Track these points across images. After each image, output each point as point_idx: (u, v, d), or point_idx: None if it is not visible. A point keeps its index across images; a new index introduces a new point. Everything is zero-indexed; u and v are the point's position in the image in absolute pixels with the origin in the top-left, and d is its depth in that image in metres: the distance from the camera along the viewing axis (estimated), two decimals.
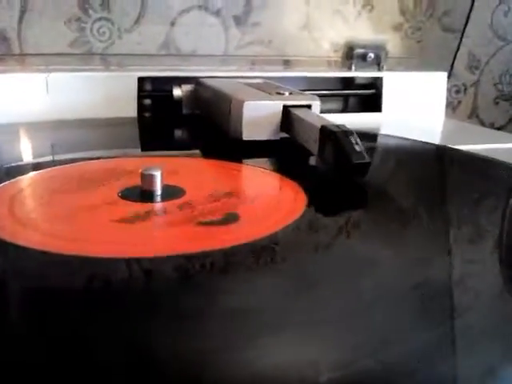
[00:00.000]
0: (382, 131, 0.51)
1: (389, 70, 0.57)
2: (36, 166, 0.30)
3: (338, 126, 0.30)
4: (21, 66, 0.54)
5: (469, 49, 0.75)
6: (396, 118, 0.52)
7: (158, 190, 0.26)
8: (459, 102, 0.78)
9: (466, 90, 0.77)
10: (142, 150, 0.39)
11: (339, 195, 0.29)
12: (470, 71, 0.76)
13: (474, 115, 0.79)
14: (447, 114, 0.78)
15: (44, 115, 0.42)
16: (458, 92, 0.77)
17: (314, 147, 0.32)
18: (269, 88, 0.40)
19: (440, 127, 0.53)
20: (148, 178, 0.26)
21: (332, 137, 0.30)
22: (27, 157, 0.35)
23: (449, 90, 0.77)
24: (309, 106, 0.36)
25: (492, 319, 0.17)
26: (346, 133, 0.30)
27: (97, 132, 0.41)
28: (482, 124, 0.79)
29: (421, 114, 0.54)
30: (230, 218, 0.24)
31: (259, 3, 0.64)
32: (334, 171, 0.30)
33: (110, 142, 0.38)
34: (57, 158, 0.33)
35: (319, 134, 0.31)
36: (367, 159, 0.28)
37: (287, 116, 0.36)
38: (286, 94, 0.38)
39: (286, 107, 0.36)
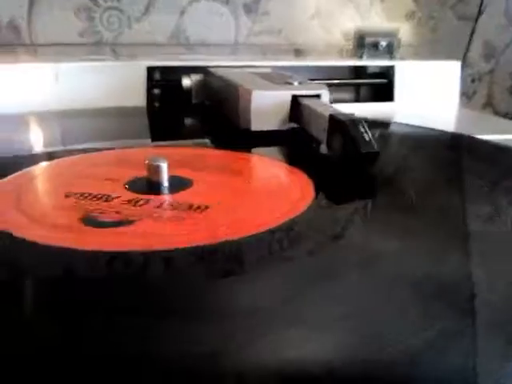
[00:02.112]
0: (395, 120, 0.51)
1: (401, 58, 0.56)
2: (44, 157, 0.30)
3: (346, 115, 0.30)
4: (31, 55, 0.54)
5: (484, 38, 0.74)
6: (409, 108, 0.52)
7: (165, 182, 0.26)
8: (474, 91, 0.77)
9: (480, 78, 0.76)
10: (153, 141, 0.39)
11: (348, 185, 0.28)
12: (486, 60, 0.75)
13: (488, 104, 0.77)
14: (462, 103, 0.77)
15: (53, 105, 0.42)
16: (473, 81, 0.76)
17: (322, 136, 0.31)
18: (278, 78, 0.39)
19: (453, 117, 0.52)
20: (155, 169, 0.26)
21: (340, 126, 0.29)
22: (35, 147, 0.34)
23: (464, 79, 0.76)
24: (318, 96, 0.36)
25: None
26: (354, 122, 0.29)
27: (105, 121, 0.41)
28: (497, 113, 0.77)
29: (434, 103, 0.53)
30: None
31: None
32: (343, 160, 0.29)
33: (118, 132, 0.38)
34: (64, 148, 0.33)
35: (328, 123, 0.30)
36: (376, 148, 0.28)
37: (296, 106, 0.35)
38: (295, 83, 0.37)
39: (294, 97, 0.35)
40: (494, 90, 0.76)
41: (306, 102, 0.34)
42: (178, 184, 0.26)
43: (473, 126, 0.47)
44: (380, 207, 0.26)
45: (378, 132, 0.40)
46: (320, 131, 0.32)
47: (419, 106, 0.52)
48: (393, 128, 0.42)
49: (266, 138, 0.35)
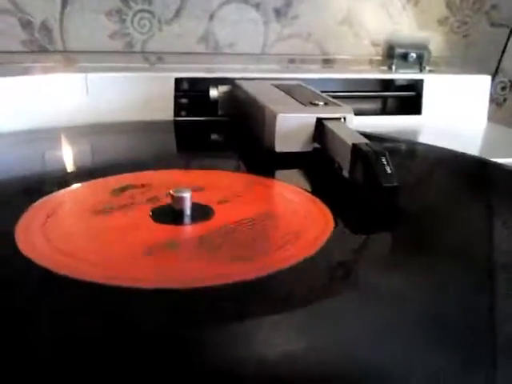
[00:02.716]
0: (421, 135, 0.51)
1: (431, 70, 0.56)
2: (68, 181, 0.31)
3: (369, 146, 0.30)
4: (62, 61, 0.55)
5: None
6: (436, 122, 0.51)
7: (188, 210, 0.26)
8: (505, 99, 0.76)
9: None
10: (172, 165, 0.38)
11: (367, 219, 0.28)
12: None
13: None
14: (492, 111, 0.76)
15: (83, 116, 0.43)
16: (503, 88, 0.75)
17: (345, 164, 0.32)
18: (303, 95, 0.39)
19: (481, 133, 0.51)
20: (179, 200, 0.26)
21: (362, 156, 0.29)
22: (59, 171, 0.35)
23: (494, 87, 0.74)
24: (343, 118, 0.36)
25: None
26: (377, 153, 0.29)
27: (133, 138, 0.42)
28: None
29: (462, 117, 0.52)
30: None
31: None
32: (364, 192, 0.29)
33: (145, 151, 0.39)
34: (90, 171, 0.34)
35: (350, 152, 0.31)
36: (397, 182, 0.28)
37: (320, 128, 0.35)
38: (321, 104, 0.37)
39: (319, 119, 0.35)
40: None
41: (330, 125, 0.34)
42: (200, 213, 0.27)
43: (498, 146, 0.46)
44: (396, 243, 0.26)
45: (400, 155, 0.40)
46: (343, 158, 0.32)
47: (447, 120, 0.51)
48: (417, 149, 0.42)
49: (289, 159, 0.35)
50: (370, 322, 0.19)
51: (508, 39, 0.68)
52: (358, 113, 0.51)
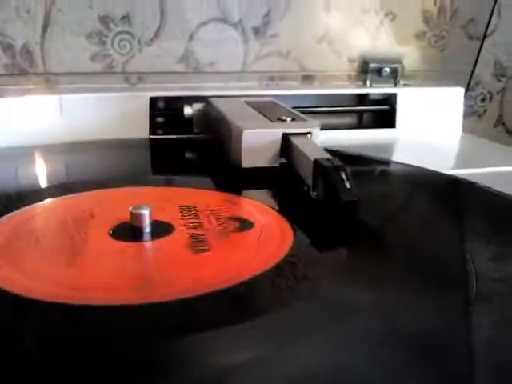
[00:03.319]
0: (395, 148, 0.51)
1: (406, 84, 0.57)
2: (35, 198, 0.31)
3: (330, 161, 0.31)
4: (43, 84, 0.56)
5: (495, 56, 0.73)
6: (410, 135, 0.52)
7: (147, 228, 0.27)
8: (485, 110, 0.76)
9: (491, 97, 0.76)
10: (141, 181, 0.38)
11: (328, 234, 0.29)
12: (497, 79, 0.75)
13: (500, 123, 0.77)
14: (474, 123, 0.77)
15: (58, 136, 0.44)
16: (483, 100, 0.76)
17: (309, 179, 0.32)
18: (272, 111, 0.40)
19: (455, 144, 0.52)
20: (137, 217, 0.27)
21: (323, 172, 0.30)
22: (28, 186, 0.35)
23: (474, 98, 0.75)
24: (309, 133, 0.36)
25: None
26: (337, 168, 0.30)
27: (106, 156, 0.42)
28: (508, 132, 0.77)
29: (437, 130, 0.53)
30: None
31: (279, 14, 0.65)
32: (325, 207, 0.30)
33: (117, 169, 0.39)
34: (60, 188, 0.34)
35: (312, 167, 0.31)
36: (356, 197, 0.28)
37: (287, 143, 0.36)
38: (288, 120, 0.38)
39: (285, 135, 0.36)
40: (505, 108, 0.76)
41: (295, 141, 0.35)
42: (160, 230, 0.27)
43: (473, 157, 0.47)
44: (353, 257, 0.26)
45: (365, 171, 0.40)
46: (306, 174, 0.32)
47: (421, 132, 0.52)
48: (385, 168, 0.42)
49: (256, 175, 0.36)
50: (321, 334, 0.19)
51: (479, 51, 0.69)
52: (334, 127, 0.52)
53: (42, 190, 0.35)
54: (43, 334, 0.19)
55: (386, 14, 0.68)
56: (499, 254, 0.27)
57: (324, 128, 0.48)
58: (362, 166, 0.41)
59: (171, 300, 0.21)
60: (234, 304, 0.22)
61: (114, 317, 0.20)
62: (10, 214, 0.29)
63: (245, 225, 0.28)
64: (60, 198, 0.32)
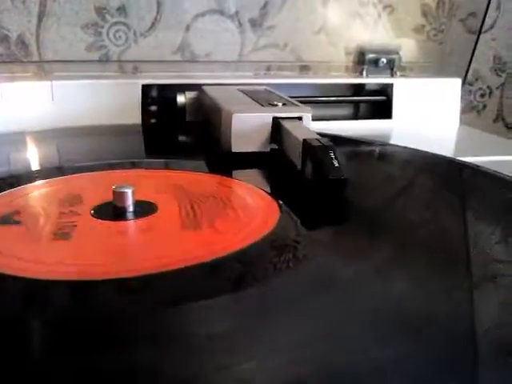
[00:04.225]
0: (391, 138, 0.51)
1: (403, 75, 0.56)
2: (24, 180, 0.31)
3: (319, 141, 0.30)
4: (30, 73, 0.56)
5: (495, 51, 0.73)
6: (406, 125, 0.51)
7: (130, 207, 0.26)
8: (484, 106, 0.76)
9: (491, 93, 0.75)
10: (133, 164, 0.39)
11: (315, 212, 0.28)
12: (496, 74, 0.74)
13: (499, 118, 0.76)
14: (473, 118, 0.76)
15: (49, 122, 0.43)
16: (483, 95, 0.75)
17: (298, 161, 0.32)
18: (264, 97, 0.39)
19: (452, 135, 0.51)
20: (120, 196, 0.26)
21: (311, 151, 0.29)
22: (20, 168, 0.35)
23: (473, 94, 0.75)
24: (300, 118, 0.36)
25: None
26: (325, 147, 0.29)
27: (97, 140, 0.42)
28: (508, 127, 0.76)
29: (434, 121, 0.52)
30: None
31: (276, 6, 0.64)
32: (314, 186, 0.29)
33: (106, 152, 0.39)
34: (51, 170, 0.34)
35: (301, 147, 0.31)
36: (343, 175, 0.28)
37: (277, 128, 0.35)
38: (279, 105, 0.37)
39: (275, 119, 0.35)
40: (504, 103, 0.75)
41: (285, 124, 0.34)
42: (143, 209, 0.27)
43: (470, 147, 0.46)
44: (338, 238, 0.26)
45: (359, 152, 0.40)
46: (295, 155, 0.32)
47: (417, 123, 0.51)
48: (376, 149, 0.42)
49: (246, 160, 0.35)
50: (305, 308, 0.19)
51: (475, 44, 0.69)
52: (330, 118, 0.52)
53: (30, 172, 0.34)
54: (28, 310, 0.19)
55: (385, 7, 0.67)
56: (504, 237, 0.26)
57: (320, 118, 0.48)
58: (355, 148, 0.40)
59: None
60: (216, 277, 0.21)
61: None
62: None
63: (229, 205, 0.28)
64: (46, 180, 0.31)
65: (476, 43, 0.64)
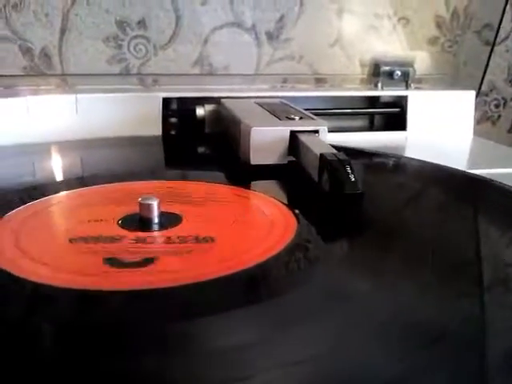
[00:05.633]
0: (406, 150, 0.51)
1: (417, 87, 0.57)
2: (50, 190, 0.32)
3: (335, 155, 0.31)
4: (59, 85, 0.57)
5: (509, 62, 0.73)
6: (421, 137, 0.52)
7: (156, 219, 0.27)
8: (499, 116, 0.76)
9: (505, 103, 0.75)
10: (154, 176, 0.39)
11: (332, 226, 0.29)
12: (510, 85, 0.74)
13: None
14: (488, 129, 0.77)
15: (73, 134, 0.45)
16: (497, 106, 0.76)
17: (315, 174, 0.33)
18: (281, 111, 0.41)
19: (466, 147, 0.52)
20: (146, 207, 0.27)
21: (328, 165, 0.30)
22: (43, 179, 0.37)
23: (488, 104, 0.75)
24: (316, 131, 0.37)
25: None
26: (342, 162, 0.30)
27: (119, 152, 0.43)
28: None
29: (448, 133, 0.53)
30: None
31: (292, 19, 0.65)
32: (331, 200, 0.30)
33: (129, 163, 0.40)
34: (73, 181, 0.35)
35: (318, 161, 0.32)
36: (359, 189, 0.29)
37: (294, 141, 0.36)
38: (296, 118, 0.38)
39: (293, 132, 0.36)
40: None
41: (302, 138, 0.36)
42: (168, 220, 0.28)
43: (485, 159, 0.47)
44: (359, 247, 0.27)
45: (375, 165, 0.41)
46: (313, 169, 0.33)
47: (431, 135, 0.52)
48: (391, 161, 0.42)
49: (264, 172, 0.36)
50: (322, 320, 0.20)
51: (489, 56, 0.70)
52: (345, 129, 0.53)
53: (57, 183, 0.36)
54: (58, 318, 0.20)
55: (400, 20, 0.68)
56: None
57: (336, 130, 0.49)
58: (370, 160, 0.41)
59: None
60: (238, 290, 0.22)
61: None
62: (27, 205, 0.30)
63: (248, 216, 0.29)
64: (73, 191, 0.33)
65: (490, 54, 0.65)
